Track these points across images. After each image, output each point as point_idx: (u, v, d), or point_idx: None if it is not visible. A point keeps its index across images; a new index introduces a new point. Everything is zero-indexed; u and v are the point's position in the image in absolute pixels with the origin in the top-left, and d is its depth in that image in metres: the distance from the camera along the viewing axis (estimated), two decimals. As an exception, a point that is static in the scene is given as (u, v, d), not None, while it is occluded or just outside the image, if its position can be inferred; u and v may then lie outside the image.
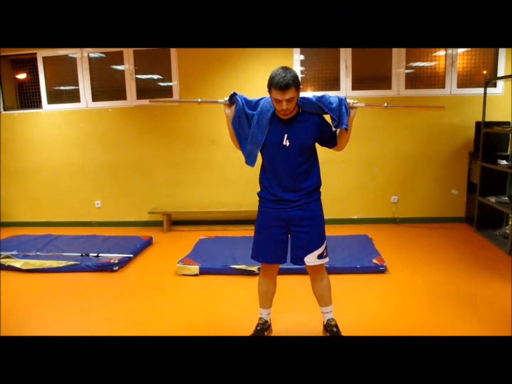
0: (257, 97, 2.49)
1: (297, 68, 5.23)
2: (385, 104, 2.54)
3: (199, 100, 2.59)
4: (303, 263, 2.52)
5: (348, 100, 2.39)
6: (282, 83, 2.19)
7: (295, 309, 3.15)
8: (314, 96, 2.41)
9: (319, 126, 2.42)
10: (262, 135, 2.40)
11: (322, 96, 2.38)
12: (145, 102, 5.51)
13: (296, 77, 2.25)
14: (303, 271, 3.62)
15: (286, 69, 2.24)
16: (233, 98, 2.45)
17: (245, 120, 2.46)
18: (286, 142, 2.37)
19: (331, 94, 2.43)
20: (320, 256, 2.51)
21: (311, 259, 2.50)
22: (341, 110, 2.36)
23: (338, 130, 2.47)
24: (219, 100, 2.49)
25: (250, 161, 2.51)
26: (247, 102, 2.47)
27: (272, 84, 2.23)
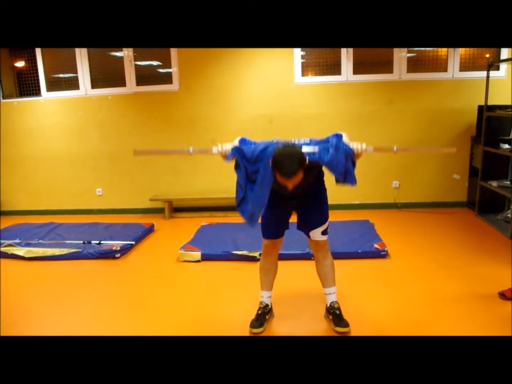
0: (258, 141, 2.36)
1: (298, 53, 5.18)
2: (395, 149, 2.33)
3: (191, 150, 2.43)
4: (308, 236, 2.59)
5: (356, 149, 2.24)
6: (288, 173, 2.10)
7: (297, 293, 3.16)
8: (321, 156, 2.23)
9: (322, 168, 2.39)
10: (266, 195, 2.30)
11: (331, 161, 2.20)
12: (145, 88, 5.48)
13: (302, 159, 2.12)
14: (305, 257, 3.65)
15: (291, 153, 2.11)
16: (230, 156, 2.32)
17: (243, 173, 2.33)
18: (290, 190, 2.29)
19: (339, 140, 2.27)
20: (324, 232, 2.58)
21: (315, 234, 2.57)
22: (348, 169, 2.23)
23: None
24: (213, 150, 2.34)
25: (252, 223, 2.37)
26: (246, 158, 2.29)
27: (277, 170, 2.13)
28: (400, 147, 2.34)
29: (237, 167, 2.35)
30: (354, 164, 2.26)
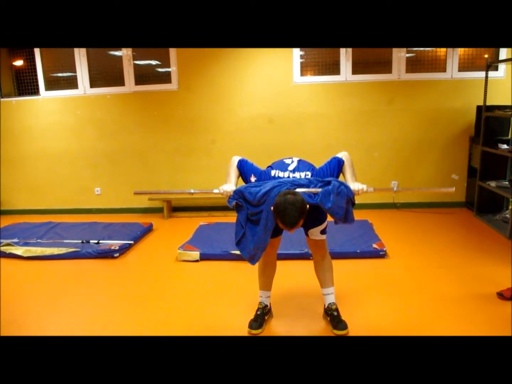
0: (259, 166, 2.42)
1: (297, 53, 5.18)
2: (395, 189, 2.45)
3: (192, 191, 2.50)
4: (307, 235, 2.59)
5: (357, 191, 2.29)
6: (289, 224, 2.13)
7: (295, 294, 3.16)
8: (322, 201, 2.24)
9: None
10: (268, 238, 2.34)
11: (332, 207, 2.22)
12: (144, 88, 5.48)
13: (303, 209, 2.14)
14: (303, 257, 3.66)
15: (293, 203, 2.10)
16: (232, 201, 2.34)
17: (245, 215, 2.36)
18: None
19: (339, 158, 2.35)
20: (323, 232, 2.58)
21: (315, 233, 2.57)
22: (348, 211, 2.28)
23: None
24: (214, 191, 2.40)
25: (253, 261, 2.42)
26: (249, 201, 2.32)
27: (279, 219, 2.15)
28: (399, 188, 2.42)
29: (238, 207, 2.36)
30: (353, 205, 2.30)
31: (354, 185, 2.31)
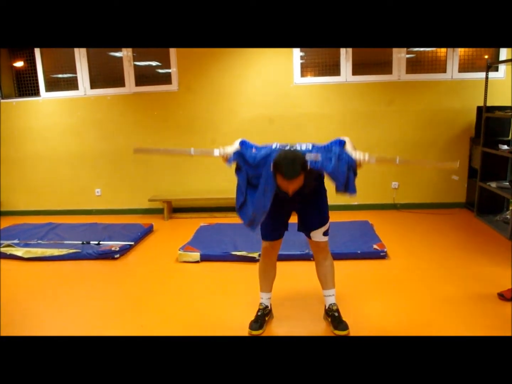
0: (260, 145, 2.35)
1: (297, 54, 5.18)
2: (397, 160, 2.31)
3: (192, 151, 2.40)
4: (309, 237, 2.58)
5: (359, 159, 2.24)
6: (289, 176, 2.09)
7: (296, 294, 3.15)
8: (323, 164, 2.22)
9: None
10: (269, 201, 2.30)
11: (333, 171, 2.21)
12: (144, 89, 5.48)
13: (303, 162, 2.13)
14: (304, 257, 3.65)
15: (293, 155, 2.13)
16: (231, 160, 2.32)
17: (244, 178, 2.35)
18: (291, 195, 2.29)
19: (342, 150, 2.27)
20: (325, 233, 2.57)
21: (316, 235, 2.56)
22: (349, 179, 2.23)
23: None
24: (215, 152, 2.33)
25: (253, 227, 2.40)
26: (248, 164, 2.30)
27: (278, 172, 2.12)
28: (402, 159, 2.31)
29: (238, 170, 2.35)
30: (355, 174, 2.26)
31: (356, 154, 2.25)
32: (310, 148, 2.31)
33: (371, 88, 5.23)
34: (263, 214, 2.34)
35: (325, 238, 2.59)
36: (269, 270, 2.69)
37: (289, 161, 2.10)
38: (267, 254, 2.67)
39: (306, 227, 2.59)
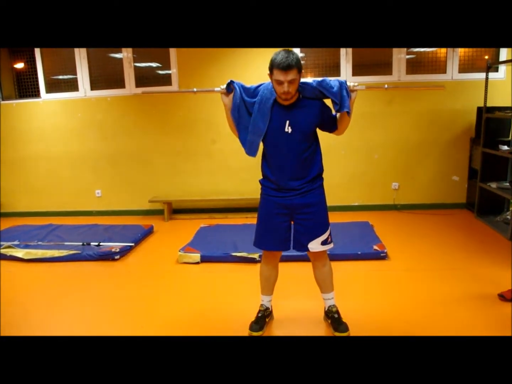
0: (256, 84, 2.44)
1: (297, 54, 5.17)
2: (386, 86, 2.51)
3: (195, 89, 2.55)
4: (307, 249, 2.52)
5: (348, 83, 2.36)
6: (284, 63, 2.15)
7: (297, 296, 3.15)
8: (314, 80, 2.37)
9: (320, 111, 2.40)
10: (264, 124, 2.37)
11: (323, 80, 2.35)
12: (144, 90, 5.48)
13: (298, 59, 2.21)
14: (305, 258, 3.63)
15: (288, 51, 2.21)
16: (230, 86, 2.40)
17: (244, 109, 2.42)
18: (288, 129, 2.35)
19: (331, 79, 2.40)
20: (324, 242, 2.50)
21: (315, 246, 2.49)
22: (342, 94, 2.32)
23: (338, 114, 2.45)
24: (216, 89, 2.43)
25: (252, 151, 2.47)
26: (245, 89, 2.42)
27: (274, 65, 2.20)
28: (391, 84, 2.56)
29: (230, 89, 2.41)
30: (348, 95, 2.35)
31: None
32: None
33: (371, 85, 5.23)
34: (260, 136, 2.41)
35: (324, 247, 2.51)
36: (270, 274, 2.67)
37: (284, 53, 2.19)
38: (268, 261, 2.65)
39: (303, 237, 2.50)
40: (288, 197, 2.45)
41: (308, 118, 2.37)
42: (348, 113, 2.36)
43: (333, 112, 2.45)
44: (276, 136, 2.38)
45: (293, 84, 2.23)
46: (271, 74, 2.26)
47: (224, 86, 2.41)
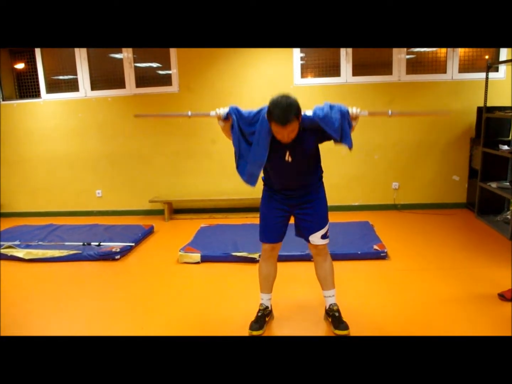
0: (255, 108, 2.38)
1: (297, 55, 5.18)
2: (390, 112, 2.38)
3: (189, 113, 2.53)
4: (308, 241, 2.59)
5: (351, 111, 2.29)
6: (283, 120, 2.11)
7: (297, 295, 3.15)
8: (316, 113, 2.27)
9: (321, 132, 2.32)
10: (264, 156, 2.33)
11: (325, 116, 2.24)
12: (145, 90, 5.49)
13: (297, 107, 2.15)
14: (305, 258, 3.65)
15: (286, 100, 2.14)
16: (228, 116, 2.36)
17: (243, 140, 2.38)
18: (288, 158, 2.35)
19: (334, 104, 2.31)
20: (323, 236, 2.57)
21: (315, 239, 2.56)
22: (344, 127, 2.26)
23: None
24: (211, 113, 2.40)
25: (251, 181, 2.44)
26: (243, 118, 2.36)
27: (272, 118, 2.14)
28: (395, 111, 2.39)
29: (232, 129, 2.39)
30: (350, 126, 2.29)
31: (349, 107, 2.32)
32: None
33: (372, 89, 5.23)
34: (260, 167, 2.39)
35: (324, 241, 2.59)
36: (269, 271, 2.69)
37: (281, 106, 2.12)
38: (267, 256, 2.67)
39: (304, 230, 2.58)
40: (289, 196, 2.53)
41: (309, 146, 2.37)
42: (350, 147, 2.32)
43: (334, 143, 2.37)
44: (276, 164, 2.41)
45: (292, 132, 2.20)
46: (269, 122, 2.21)
47: (220, 111, 2.37)
